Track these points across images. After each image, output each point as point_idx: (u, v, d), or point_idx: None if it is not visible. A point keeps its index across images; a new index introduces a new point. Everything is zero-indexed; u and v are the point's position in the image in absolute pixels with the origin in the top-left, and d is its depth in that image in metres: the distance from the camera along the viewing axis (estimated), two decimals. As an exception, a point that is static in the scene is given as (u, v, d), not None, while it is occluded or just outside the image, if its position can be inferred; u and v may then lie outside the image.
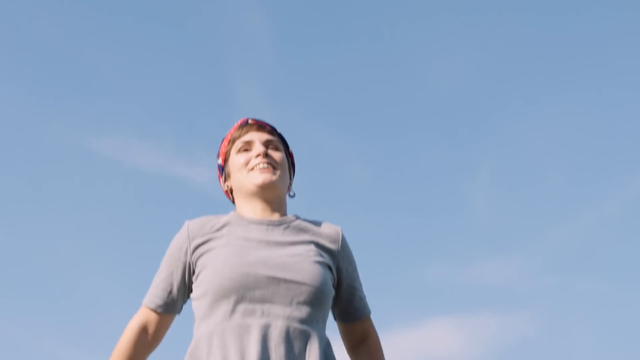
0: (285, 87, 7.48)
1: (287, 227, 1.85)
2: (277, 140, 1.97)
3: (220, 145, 2.01)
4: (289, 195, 1.99)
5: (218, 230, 1.83)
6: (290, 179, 2.01)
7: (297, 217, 1.92)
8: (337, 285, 1.88)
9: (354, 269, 1.92)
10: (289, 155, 2.02)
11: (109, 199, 6.86)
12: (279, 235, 1.82)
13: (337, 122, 7.60)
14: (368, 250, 7.14)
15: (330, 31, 7.69)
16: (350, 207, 7.18)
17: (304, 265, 1.73)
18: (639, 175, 7.36)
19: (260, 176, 1.85)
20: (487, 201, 7.68)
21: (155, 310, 1.85)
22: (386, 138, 7.54)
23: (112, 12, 7.28)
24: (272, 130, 1.98)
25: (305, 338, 1.67)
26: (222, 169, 2.00)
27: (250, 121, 1.97)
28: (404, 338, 6.90)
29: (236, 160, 1.92)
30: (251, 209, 1.89)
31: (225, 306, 1.68)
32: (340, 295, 1.89)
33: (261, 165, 1.87)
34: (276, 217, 1.88)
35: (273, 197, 1.89)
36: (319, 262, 1.77)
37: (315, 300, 1.70)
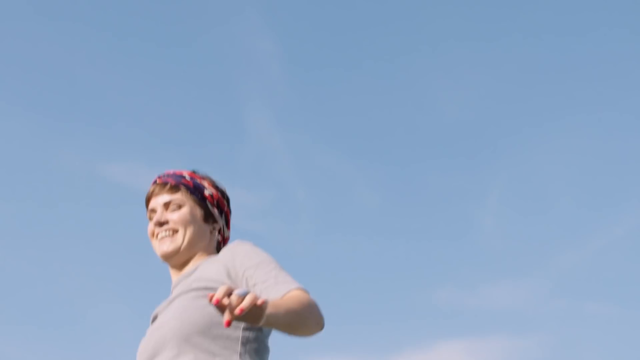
0: (296, 112, 7.54)
1: (186, 277, 1.84)
2: (180, 196, 1.93)
3: None
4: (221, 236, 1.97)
5: None
6: (216, 221, 1.96)
7: (209, 257, 1.90)
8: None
9: (251, 267, 1.72)
10: (208, 198, 1.96)
11: (119, 225, 6.90)
12: (175, 294, 1.81)
13: (348, 147, 7.65)
14: (378, 273, 7.14)
15: (340, 58, 7.76)
16: (360, 231, 7.20)
17: (172, 308, 1.74)
18: (648, 198, 7.35)
19: (160, 247, 1.89)
20: (496, 225, 7.69)
21: None
22: (396, 163, 7.58)
23: (123, 37, 7.38)
24: (175, 186, 1.94)
25: None
26: None
27: (158, 180, 1.96)
28: (414, 362, 6.87)
29: (148, 227, 1.96)
30: (170, 271, 1.94)
31: None
32: None
33: (160, 235, 1.89)
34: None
35: (180, 261, 1.90)
36: (190, 296, 1.73)
37: (178, 332, 1.67)
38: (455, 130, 7.82)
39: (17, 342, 6.33)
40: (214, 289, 1.70)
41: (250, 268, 1.72)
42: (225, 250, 1.82)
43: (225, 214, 2.01)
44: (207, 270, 1.78)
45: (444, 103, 7.86)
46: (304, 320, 1.53)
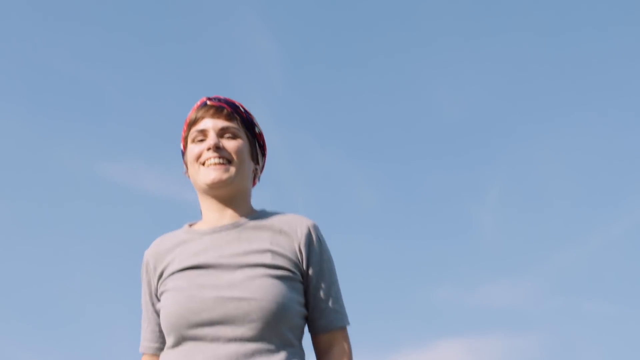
0: (294, 111, 7.53)
1: (243, 230, 1.72)
2: (237, 125, 1.77)
3: (182, 128, 1.84)
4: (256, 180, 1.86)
5: (170, 251, 1.75)
6: (258, 163, 1.84)
7: (260, 212, 1.78)
8: (305, 291, 1.71)
9: (320, 272, 1.71)
10: (257, 136, 1.84)
11: (118, 224, 6.90)
12: (232, 244, 1.68)
13: (346, 145, 7.64)
14: (376, 272, 7.14)
15: (338, 56, 7.75)
16: (359, 229, 7.19)
17: (254, 280, 1.59)
18: (646, 196, 7.35)
19: (210, 175, 1.71)
20: (495, 223, 7.69)
21: (155, 355, 1.77)
22: (395, 161, 7.58)
23: (121, 36, 7.37)
24: (231, 113, 1.77)
25: (261, 356, 1.56)
26: (183, 155, 1.84)
27: (209, 102, 1.78)
28: (413, 361, 6.88)
29: (190, 151, 1.76)
30: (207, 207, 1.77)
31: (176, 333, 1.60)
32: (307, 303, 1.71)
33: (212, 161, 1.71)
34: (231, 217, 1.75)
35: (227, 195, 1.74)
36: (273, 275, 1.62)
37: (269, 316, 1.56)
38: (453, 128, 7.82)
39: (17, 341, 6.33)
40: (293, 274, 1.66)
41: (317, 275, 1.70)
42: (297, 225, 1.72)
43: (264, 157, 1.89)
44: (281, 243, 1.68)
45: (442, 101, 7.86)
46: None
